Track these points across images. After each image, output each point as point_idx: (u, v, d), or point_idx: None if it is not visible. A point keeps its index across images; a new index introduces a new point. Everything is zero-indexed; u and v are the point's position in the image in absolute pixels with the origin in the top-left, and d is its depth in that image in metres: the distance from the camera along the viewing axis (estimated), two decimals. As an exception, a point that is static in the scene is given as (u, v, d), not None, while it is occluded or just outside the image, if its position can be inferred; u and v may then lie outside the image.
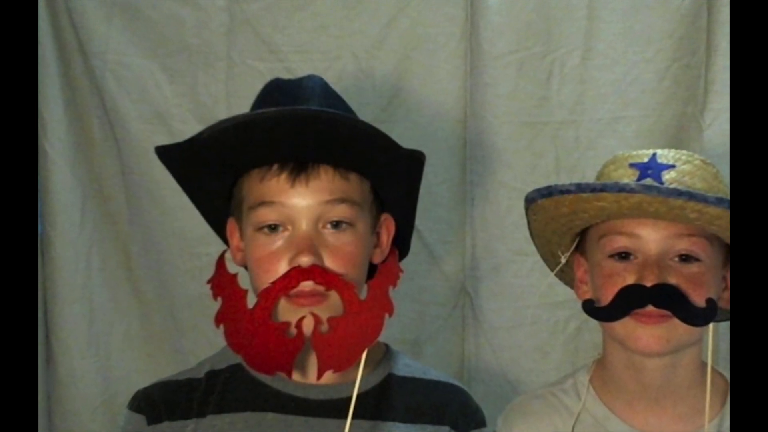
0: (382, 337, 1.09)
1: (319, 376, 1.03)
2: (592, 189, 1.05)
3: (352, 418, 1.04)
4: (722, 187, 1.09)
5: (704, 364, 1.12)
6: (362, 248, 1.07)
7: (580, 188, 1.05)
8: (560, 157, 1.57)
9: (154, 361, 1.69)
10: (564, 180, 1.48)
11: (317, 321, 1.02)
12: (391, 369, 1.13)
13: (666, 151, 1.10)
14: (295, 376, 1.05)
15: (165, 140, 1.58)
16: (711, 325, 1.05)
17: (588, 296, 1.12)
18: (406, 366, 1.15)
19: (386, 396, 1.10)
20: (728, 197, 1.05)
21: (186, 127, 1.59)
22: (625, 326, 1.06)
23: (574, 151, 1.56)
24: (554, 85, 1.56)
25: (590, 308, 1.10)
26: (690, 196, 1.00)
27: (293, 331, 1.02)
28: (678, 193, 1.00)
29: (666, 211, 1.02)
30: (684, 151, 1.11)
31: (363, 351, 1.04)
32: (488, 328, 1.60)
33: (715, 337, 1.06)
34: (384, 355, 1.15)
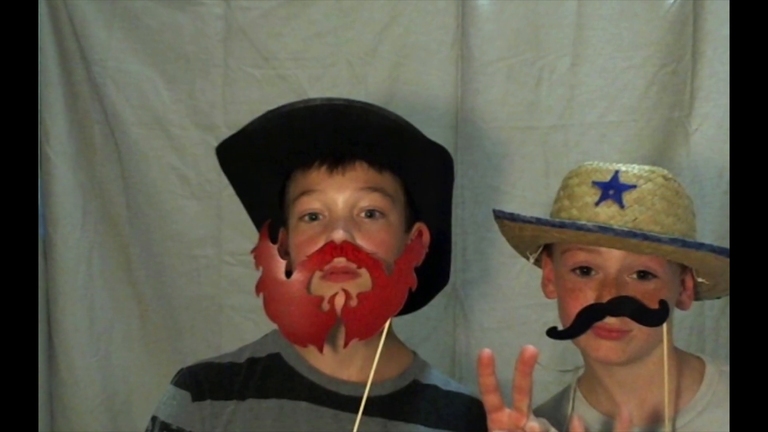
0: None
1: (346, 344, 1.13)
2: (552, 224, 1.14)
3: (380, 416, 1.16)
4: (685, 203, 1.16)
5: (677, 349, 1.20)
6: (393, 237, 1.17)
7: (540, 222, 1.14)
8: (549, 161, 1.65)
9: (153, 361, 1.77)
10: (553, 183, 1.53)
11: (347, 297, 1.12)
12: (416, 376, 1.24)
13: (629, 167, 1.16)
14: (326, 350, 1.15)
15: (163, 145, 1.70)
16: (665, 325, 1.14)
17: (554, 296, 1.22)
18: (432, 376, 1.25)
19: (410, 400, 1.20)
20: (689, 222, 1.15)
21: (184, 132, 1.70)
22: (585, 338, 1.16)
23: (563, 156, 1.64)
24: (543, 90, 1.64)
25: (554, 334, 1.19)
26: (644, 237, 1.08)
27: (326, 305, 1.13)
28: (633, 235, 1.08)
29: (622, 246, 1.12)
30: (646, 167, 1.16)
31: (386, 320, 1.14)
32: (478, 328, 1.69)
33: (670, 335, 1.15)
34: (412, 361, 1.25)
